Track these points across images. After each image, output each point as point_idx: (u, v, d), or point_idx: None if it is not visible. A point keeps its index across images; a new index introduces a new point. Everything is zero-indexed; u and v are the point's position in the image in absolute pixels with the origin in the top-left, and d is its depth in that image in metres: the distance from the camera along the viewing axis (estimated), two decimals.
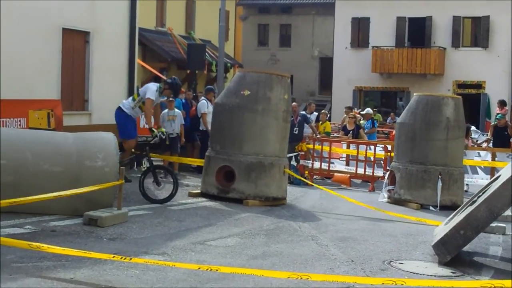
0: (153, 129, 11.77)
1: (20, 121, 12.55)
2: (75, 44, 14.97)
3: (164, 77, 24.09)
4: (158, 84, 12.22)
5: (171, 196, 11.14)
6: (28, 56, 13.41)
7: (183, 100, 16.73)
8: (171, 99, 15.21)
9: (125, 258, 6.71)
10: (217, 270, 6.58)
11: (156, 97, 12.03)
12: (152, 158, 13.35)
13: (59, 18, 14.25)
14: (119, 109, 12.25)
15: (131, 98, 12.35)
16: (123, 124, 12.19)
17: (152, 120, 12.38)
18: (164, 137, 12.27)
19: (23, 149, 9.13)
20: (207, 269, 6.59)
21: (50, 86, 14.07)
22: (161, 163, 15.24)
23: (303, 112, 18.54)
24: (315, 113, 20.77)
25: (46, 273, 6.38)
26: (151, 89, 11.95)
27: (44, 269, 6.50)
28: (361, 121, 20.34)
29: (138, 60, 17.85)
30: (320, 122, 20.32)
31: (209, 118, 15.07)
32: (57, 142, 9.54)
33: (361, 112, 21.47)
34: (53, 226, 8.51)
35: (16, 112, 12.52)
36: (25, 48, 13.36)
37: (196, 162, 14.98)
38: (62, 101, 13.95)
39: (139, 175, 11.47)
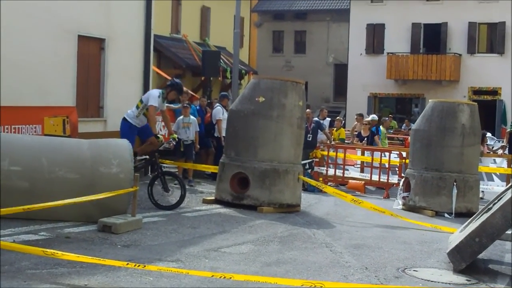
0: (158, 135, 11.71)
1: (35, 127, 12.63)
2: (91, 51, 15.04)
3: None
4: (160, 90, 12.14)
5: (180, 201, 11.19)
6: (44, 63, 13.49)
7: (198, 107, 16.76)
8: (185, 105, 15.26)
9: (138, 266, 6.73)
10: (230, 278, 6.58)
11: (160, 103, 11.91)
12: (164, 165, 13.44)
13: (75, 25, 14.33)
14: (123, 119, 12.15)
15: (135, 107, 12.17)
16: (126, 134, 11.97)
17: (159, 126, 12.39)
18: (175, 143, 12.30)
19: (39, 155, 9.18)
20: (221, 277, 6.60)
21: (65, 93, 14.14)
22: (176, 170, 15.32)
23: (317, 119, 18.51)
24: (328, 119, 20.72)
25: (61, 279, 6.40)
26: (153, 96, 11.86)
27: (58, 275, 6.53)
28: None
29: (153, 67, 17.91)
30: (335, 128, 20.28)
31: (223, 125, 15.09)
32: (72, 149, 9.58)
33: (366, 119, 21.40)
34: (67, 232, 8.54)
35: (31, 119, 12.59)
36: (41, 55, 13.44)
37: (210, 168, 15.00)
38: (77, 108, 14.02)
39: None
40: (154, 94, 11.94)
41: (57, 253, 6.66)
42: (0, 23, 12.39)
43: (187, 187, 14.02)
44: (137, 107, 12.05)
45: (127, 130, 11.97)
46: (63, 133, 13.03)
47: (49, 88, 13.62)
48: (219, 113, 16.18)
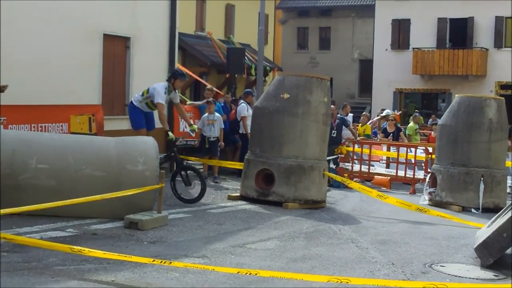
0: (169, 132, 11.71)
1: (62, 126, 12.74)
2: (116, 50, 15.13)
3: (203, 81, 24.26)
4: (165, 85, 12.12)
5: (201, 195, 11.28)
6: (70, 62, 13.60)
7: (222, 104, 16.78)
8: (210, 100, 15.29)
9: (165, 262, 6.76)
10: (256, 274, 6.59)
11: (166, 98, 12.08)
12: (189, 161, 13.52)
13: (100, 24, 14.43)
14: (130, 102, 12.68)
15: (141, 92, 12.46)
16: (132, 115, 12.54)
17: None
18: (193, 134, 12.56)
19: (65, 153, 9.26)
20: (246, 273, 6.61)
21: (91, 91, 14.25)
22: (201, 167, 15.38)
23: (341, 115, 18.44)
24: (351, 115, 20.61)
25: (88, 275, 6.46)
26: (159, 93, 11.95)
27: (85, 271, 6.58)
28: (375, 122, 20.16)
29: (178, 65, 17.96)
30: (360, 124, 20.20)
31: (248, 122, 15.10)
32: (99, 147, 9.65)
33: (381, 114, 21.28)
34: (94, 229, 8.61)
35: (58, 117, 12.71)
36: (67, 54, 13.55)
37: (235, 165, 15.03)
38: (103, 106, 14.11)
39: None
40: (159, 90, 12.00)
41: (84, 250, 6.72)
42: (19, 23, 12.51)
43: (212, 183, 14.16)
44: (143, 94, 12.34)
45: (132, 110, 12.49)
46: (89, 131, 13.13)
47: (75, 87, 13.73)
48: (244, 110, 16.19)
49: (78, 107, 13.33)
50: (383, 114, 20.92)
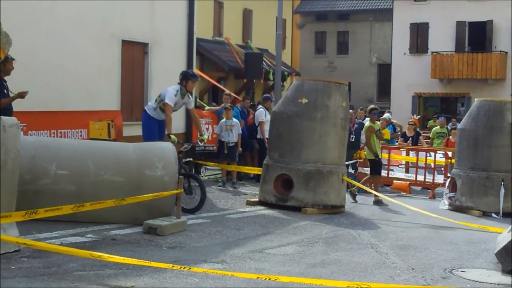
0: (171, 135, 11.49)
1: (81, 131, 12.81)
2: (135, 55, 15.21)
3: (221, 87, 24.29)
4: (178, 87, 11.93)
5: (200, 205, 10.79)
6: (89, 68, 13.68)
7: (240, 108, 16.77)
8: (228, 106, 15.28)
9: (184, 267, 6.77)
10: (276, 279, 6.57)
11: (178, 100, 11.86)
12: (208, 167, 13.35)
13: (119, 30, 14.50)
14: (144, 111, 12.37)
15: (155, 99, 12.30)
16: (145, 125, 12.20)
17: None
18: (202, 144, 12.29)
19: (85, 159, 9.31)
20: (266, 278, 6.59)
21: (110, 97, 14.32)
22: (219, 172, 15.40)
23: (360, 120, 18.36)
24: (367, 119, 20.47)
25: (108, 281, 6.47)
26: (169, 94, 11.79)
27: (105, 277, 6.60)
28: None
29: (196, 70, 18.01)
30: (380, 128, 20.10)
31: (266, 127, 15.08)
32: (118, 152, 9.69)
33: (382, 117, 21.21)
34: (113, 234, 8.64)
35: (77, 123, 12.78)
36: (86, 60, 13.64)
37: (254, 170, 15.04)
38: (122, 112, 14.18)
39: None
40: (170, 92, 11.84)
41: (104, 255, 6.74)
42: (38, 30, 12.61)
43: (230, 189, 14.15)
44: (156, 100, 12.18)
45: (146, 120, 12.16)
46: (108, 137, 13.19)
47: (94, 93, 13.81)
48: (262, 115, 16.18)
49: (97, 113, 13.40)
50: (384, 117, 20.88)
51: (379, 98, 41.88)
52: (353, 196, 13.77)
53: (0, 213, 6.83)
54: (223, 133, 14.81)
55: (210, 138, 15.42)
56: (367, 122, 14.60)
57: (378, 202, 13.54)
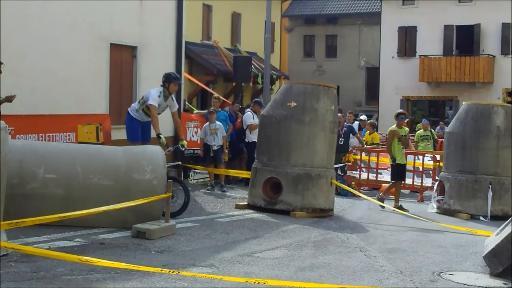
0: (160, 135, 11.45)
1: (69, 135, 12.76)
2: (123, 59, 15.17)
3: (210, 90, 24.28)
4: (160, 89, 11.88)
5: (183, 208, 10.65)
6: (77, 71, 13.64)
7: (228, 112, 16.75)
8: (211, 110, 15.26)
9: (173, 271, 6.76)
10: (264, 283, 6.57)
11: (162, 101, 11.80)
12: (197, 170, 13.29)
13: (108, 33, 14.47)
14: (127, 112, 12.34)
15: (137, 101, 12.33)
16: (128, 126, 12.21)
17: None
18: (183, 149, 12.15)
19: (74, 162, 9.28)
20: (255, 282, 6.60)
21: (98, 101, 14.28)
22: (207, 176, 15.39)
23: (349, 123, 18.42)
24: (356, 122, 20.57)
25: (96, 285, 6.45)
26: (152, 95, 11.76)
27: (93, 281, 6.58)
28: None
29: (184, 74, 18.00)
30: (368, 132, 20.16)
31: (254, 131, 15.03)
32: (106, 156, 9.67)
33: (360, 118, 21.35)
34: (102, 238, 8.61)
35: (65, 127, 12.73)
36: (75, 64, 13.59)
37: (242, 174, 15.04)
38: (110, 115, 14.13)
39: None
40: (153, 93, 11.81)
41: (92, 260, 6.72)
42: (26, 33, 12.56)
43: (219, 192, 14.14)
44: (138, 101, 12.22)
45: (129, 122, 12.21)
46: (96, 140, 13.15)
47: (82, 96, 13.77)
48: (250, 118, 16.18)
49: (86, 117, 13.36)
50: (361, 118, 20.98)
51: (368, 102, 42.01)
52: (381, 200, 13.59)
53: None
54: (208, 137, 14.80)
55: (199, 142, 15.41)
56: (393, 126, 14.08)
57: (400, 208, 13.33)
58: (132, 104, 12.53)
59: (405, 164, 14.09)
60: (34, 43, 12.63)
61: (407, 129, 14.10)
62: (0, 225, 7.02)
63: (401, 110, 14.58)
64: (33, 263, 7.05)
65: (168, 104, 12.02)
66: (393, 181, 14.10)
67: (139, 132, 12.08)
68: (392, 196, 16.51)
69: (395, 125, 13.93)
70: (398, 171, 13.95)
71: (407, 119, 14.07)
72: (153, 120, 11.72)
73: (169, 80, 11.92)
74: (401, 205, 13.43)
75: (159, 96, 11.78)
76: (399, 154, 13.78)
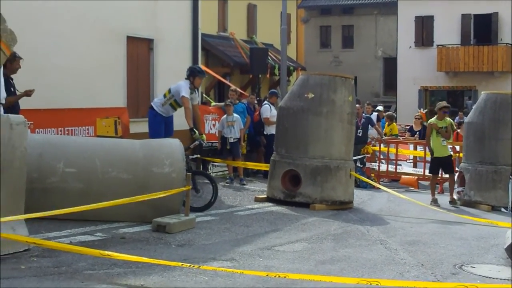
0: (194, 129, 11.45)
1: (88, 129, 12.80)
2: (140, 52, 15.19)
3: (227, 82, 24.26)
4: (188, 82, 11.86)
5: (209, 204, 10.68)
6: (94, 65, 13.67)
7: (246, 104, 16.71)
8: (227, 103, 15.24)
9: (193, 266, 6.75)
10: (285, 276, 6.55)
11: (190, 94, 11.80)
12: (216, 163, 13.22)
13: (124, 26, 14.48)
14: (150, 108, 12.22)
15: (162, 95, 12.19)
16: (151, 123, 12.10)
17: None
18: (204, 144, 12.09)
19: (92, 156, 9.29)
20: (275, 276, 6.58)
21: (116, 94, 14.31)
22: (226, 169, 15.37)
23: (367, 115, 18.33)
24: (375, 113, 20.47)
25: (117, 280, 6.46)
26: (184, 87, 11.70)
27: (115, 276, 6.59)
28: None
29: (201, 66, 17.97)
30: (386, 124, 20.05)
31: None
32: (125, 149, 9.67)
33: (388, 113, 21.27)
34: (122, 233, 8.62)
35: (84, 121, 12.76)
36: (92, 58, 13.62)
37: (261, 167, 15.01)
38: (128, 109, 14.16)
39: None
40: (184, 86, 11.75)
41: (113, 254, 6.73)
42: (43, 28, 12.59)
43: (238, 185, 14.12)
44: (164, 96, 12.08)
45: (152, 118, 12.08)
46: (115, 134, 13.17)
47: (100, 90, 13.80)
48: (267, 111, 16.14)
49: (104, 110, 13.39)
50: (378, 109, 20.91)
51: (385, 92, 41.83)
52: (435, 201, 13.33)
53: None
54: (225, 129, 14.80)
55: (217, 134, 15.40)
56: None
57: (452, 203, 13.22)
58: (155, 99, 12.43)
59: (446, 157, 13.55)
60: (49, 38, 12.66)
61: (449, 120, 13.61)
62: (21, 217, 7.05)
63: (444, 103, 14.01)
64: (55, 257, 7.07)
65: (192, 97, 11.98)
66: (431, 174, 13.89)
67: (162, 128, 12.00)
68: (412, 187, 16.50)
69: (435, 117, 13.63)
70: (434, 165, 13.69)
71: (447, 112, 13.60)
72: (186, 113, 11.66)
73: (194, 74, 11.92)
74: (434, 199, 13.26)
75: (189, 88, 11.77)
76: (437, 147, 13.42)
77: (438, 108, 13.70)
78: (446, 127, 13.40)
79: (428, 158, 16.69)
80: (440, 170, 14.05)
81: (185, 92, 11.68)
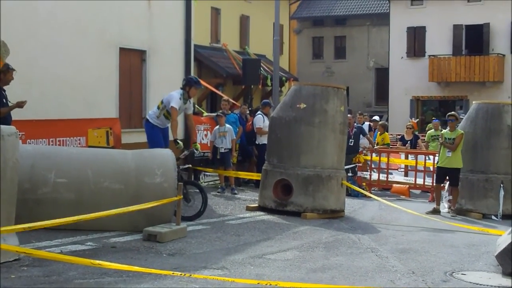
0: (178, 140, 11.43)
1: (79, 139, 12.81)
2: (132, 63, 15.23)
3: (220, 93, 24.31)
4: (180, 91, 11.86)
5: (199, 213, 10.67)
6: (87, 76, 13.70)
7: (238, 115, 16.75)
8: (219, 113, 15.28)
9: (185, 274, 6.76)
10: (276, 285, 6.56)
11: (181, 104, 11.78)
12: (206, 173, 13.20)
13: (116, 37, 14.53)
14: (146, 120, 12.22)
15: (156, 107, 12.17)
16: (149, 135, 12.07)
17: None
18: (198, 152, 12.09)
19: (84, 167, 9.29)
20: (266, 284, 6.58)
21: (108, 105, 14.34)
22: (217, 178, 15.39)
23: (359, 124, 18.40)
24: (367, 123, 20.54)
25: None
26: (174, 98, 11.70)
27: (105, 284, 6.58)
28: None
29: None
30: (379, 133, 20.12)
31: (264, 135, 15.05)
32: (117, 160, 9.68)
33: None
34: (113, 242, 8.62)
35: (76, 131, 12.77)
36: (84, 68, 13.65)
37: (253, 176, 15.04)
38: (120, 119, 14.18)
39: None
40: (175, 95, 11.76)
41: (104, 263, 6.72)
42: (36, 39, 12.61)
43: (229, 195, 14.14)
44: (158, 107, 12.07)
45: (150, 130, 12.04)
46: (106, 144, 13.19)
47: (92, 100, 13.82)
48: (260, 121, 16.18)
49: (96, 121, 13.40)
50: (374, 118, 21.00)
51: (377, 102, 41.92)
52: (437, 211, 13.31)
53: None
54: (217, 140, 14.84)
55: (209, 145, 15.43)
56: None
57: (434, 211, 13.20)
58: (150, 112, 12.37)
59: (452, 169, 13.33)
60: (43, 49, 12.70)
61: (460, 131, 13.37)
62: (13, 229, 7.05)
63: (451, 112, 14.07)
64: (45, 267, 7.06)
65: (186, 106, 12.00)
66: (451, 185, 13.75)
67: (161, 138, 11.97)
68: (403, 196, 16.55)
69: (448, 128, 13.61)
70: (438, 174, 13.69)
71: (454, 121, 13.40)
72: (172, 124, 11.67)
73: (190, 84, 11.92)
74: (436, 209, 13.27)
75: (180, 99, 11.76)
76: (442, 157, 13.43)
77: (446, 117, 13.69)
78: (454, 139, 13.28)
79: (420, 167, 16.80)
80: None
81: (174, 103, 11.67)
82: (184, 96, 11.86)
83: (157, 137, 11.98)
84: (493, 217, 12.87)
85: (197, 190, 11.02)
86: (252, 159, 16.64)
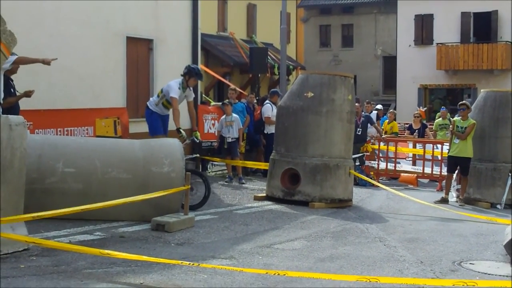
0: (180, 129, 11.46)
1: (87, 129, 12.81)
2: (139, 52, 15.19)
3: (227, 82, 24.28)
4: (179, 80, 11.90)
5: (205, 199, 10.72)
6: (94, 65, 13.67)
7: (245, 104, 16.72)
8: (226, 102, 15.27)
9: (193, 264, 6.77)
10: (284, 274, 6.57)
11: (180, 94, 11.82)
12: (215, 163, 13.21)
13: (123, 27, 14.49)
14: (146, 107, 12.33)
15: (156, 95, 12.28)
16: (149, 120, 12.21)
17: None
18: (198, 141, 12.10)
19: (92, 156, 9.31)
20: (274, 274, 6.60)
21: (116, 94, 14.31)
22: (225, 168, 15.39)
23: (367, 113, 18.34)
24: (374, 112, 20.46)
25: (117, 278, 6.48)
26: (173, 88, 11.75)
27: (114, 274, 6.61)
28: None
29: (201, 66, 18.00)
30: (387, 121, 20.06)
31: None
32: (124, 150, 9.69)
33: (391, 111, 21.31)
34: (121, 232, 8.65)
35: (84, 121, 12.78)
36: (92, 58, 13.63)
37: (260, 165, 15.04)
38: (128, 109, 14.17)
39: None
40: (173, 85, 11.81)
41: (113, 253, 6.75)
42: (44, 28, 12.61)
43: (237, 184, 14.14)
44: (158, 95, 12.19)
45: (149, 116, 12.18)
46: (114, 134, 13.19)
47: (100, 90, 13.81)
48: (268, 110, 16.15)
49: (103, 110, 13.40)
50: (377, 107, 20.94)
51: (385, 91, 41.81)
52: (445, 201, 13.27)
53: None
54: (224, 129, 14.84)
55: (216, 134, 15.43)
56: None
57: (443, 201, 13.15)
58: (151, 98, 12.55)
59: (462, 158, 13.23)
60: (50, 39, 12.66)
61: (472, 121, 13.22)
62: (21, 218, 7.08)
63: (462, 101, 13.91)
64: (54, 257, 7.10)
65: (186, 94, 12.02)
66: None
67: (160, 124, 12.10)
68: (411, 185, 16.53)
69: (460, 117, 13.45)
70: (449, 163, 13.61)
71: (463, 109, 13.21)
72: (174, 114, 11.69)
73: (190, 74, 11.91)
74: (445, 198, 13.23)
75: (179, 88, 11.80)
76: (452, 145, 13.38)
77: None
78: (465, 128, 13.17)
79: (428, 156, 16.76)
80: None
81: (174, 93, 11.72)
82: (183, 84, 11.90)
83: (156, 121, 12.11)
84: (497, 206, 12.84)
85: (198, 179, 11.00)
86: (259, 148, 16.63)
